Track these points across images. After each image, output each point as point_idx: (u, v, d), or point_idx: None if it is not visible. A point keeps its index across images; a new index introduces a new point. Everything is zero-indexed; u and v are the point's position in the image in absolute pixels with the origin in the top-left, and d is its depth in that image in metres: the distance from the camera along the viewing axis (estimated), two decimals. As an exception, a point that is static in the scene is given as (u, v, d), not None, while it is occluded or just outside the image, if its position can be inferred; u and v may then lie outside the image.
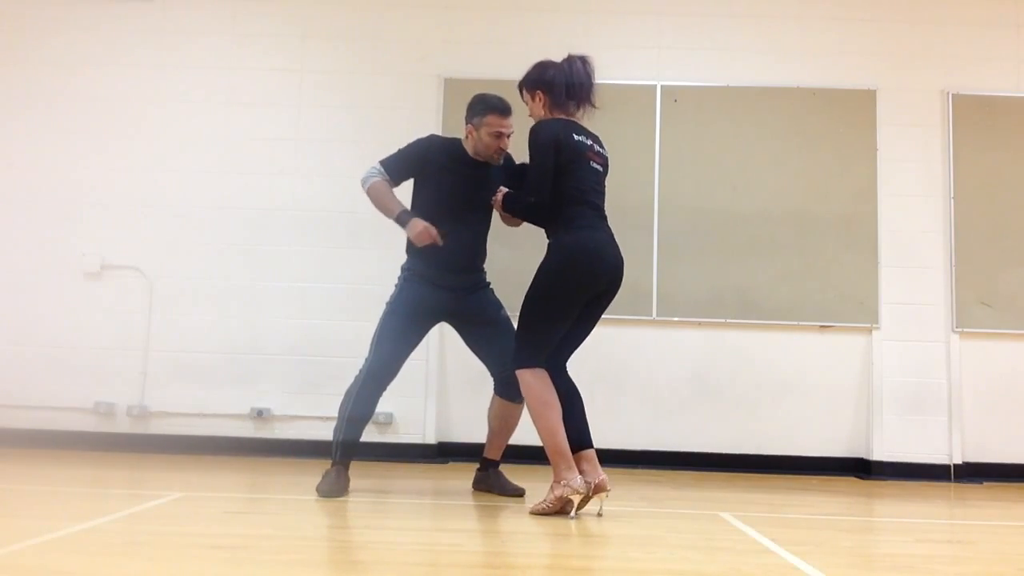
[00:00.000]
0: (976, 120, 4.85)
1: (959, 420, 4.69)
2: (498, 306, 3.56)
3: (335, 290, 4.79)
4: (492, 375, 3.53)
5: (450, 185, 3.46)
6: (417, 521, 2.97)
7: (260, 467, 4.17)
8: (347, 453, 3.42)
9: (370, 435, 4.64)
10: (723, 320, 4.74)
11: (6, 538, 2.34)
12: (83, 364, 4.74)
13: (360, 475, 4.03)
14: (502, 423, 3.56)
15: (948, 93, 4.88)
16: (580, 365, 3.31)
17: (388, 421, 4.69)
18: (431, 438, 4.69)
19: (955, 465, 4.66)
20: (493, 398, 3.56)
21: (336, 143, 4.89)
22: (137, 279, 4.82)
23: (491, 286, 3.61)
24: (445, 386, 4.75)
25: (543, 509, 3.00)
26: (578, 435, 3.06)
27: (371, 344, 3.41)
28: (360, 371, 3.40)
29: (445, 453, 4.69)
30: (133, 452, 4.57)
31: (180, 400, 4.72)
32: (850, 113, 4.87)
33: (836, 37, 4.94)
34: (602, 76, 3.19)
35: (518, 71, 4.84)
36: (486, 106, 3.40)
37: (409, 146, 3.53)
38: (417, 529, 2.81)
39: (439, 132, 4.77)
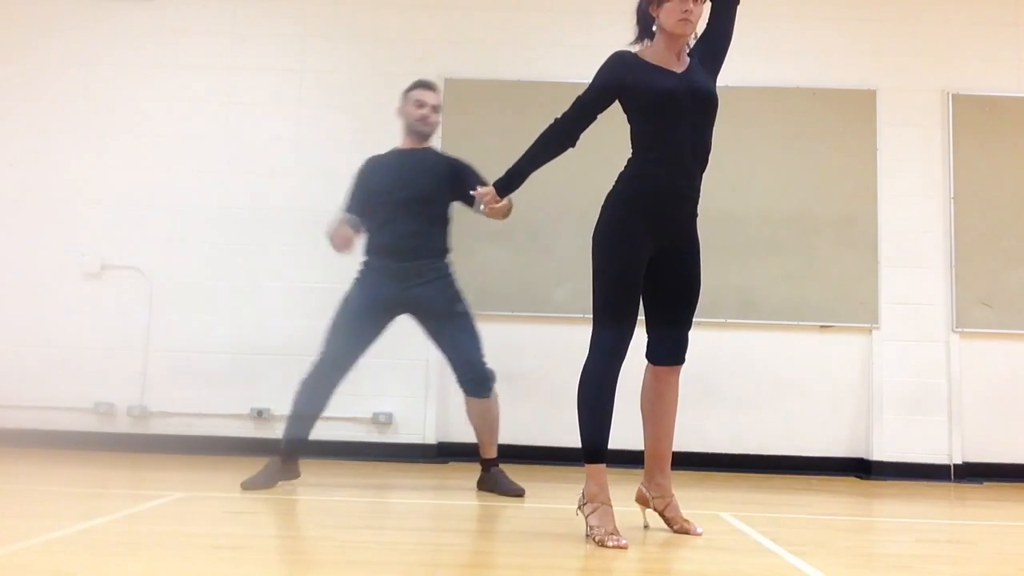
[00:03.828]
0: (976, 120, 4.85)
1: (959, 420, 4.69)
2: (453, 299, 3.54)
3: (335, 290, 4.76)
4: (454, 373, 3.55)
5: (381, 183, 3.58)
6: (417, 521, 2.97)
7: (260, 467, 4.17)
8: (291, 447, 3.50)
9: (370, 435, 4.69)
10: (723, 320, 4.74)
11: (6, 538, 2.34)
12: (83, 364, 4.74)
13: (360, 475, 4.04)
14: (481, 420, 3.57)
15: (948, 93, 4.88)
16: (576, 367, 3.29)
17: (388, 421, 4.69)
18: (431, 438, 4.69)
19: (955, 465, 4.66)
20: (465, 399, 3.56)
21: (336, 143, 4.89)
22: (137, 279, 4.82)
23: (450, 277, 3.59)
24: (445, 386, 4.74)
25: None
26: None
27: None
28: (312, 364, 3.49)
29: (445, 453, 4.69)
30: (133, 452, 4.57)
31: (180, 400, 4.72)
32: (850, 113, 4.87)
33: (836, 37, 4.94)
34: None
35: (518, 71, 4.87)
36: (411, 85, 3.70)
37: (353, 180, 3.73)
38: (417, 529, 2.81)
39: (439, 132, 4.78)
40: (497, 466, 3.60)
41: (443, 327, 3.52)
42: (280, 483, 3.50)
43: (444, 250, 3.62)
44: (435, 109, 3.67)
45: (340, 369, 3.47)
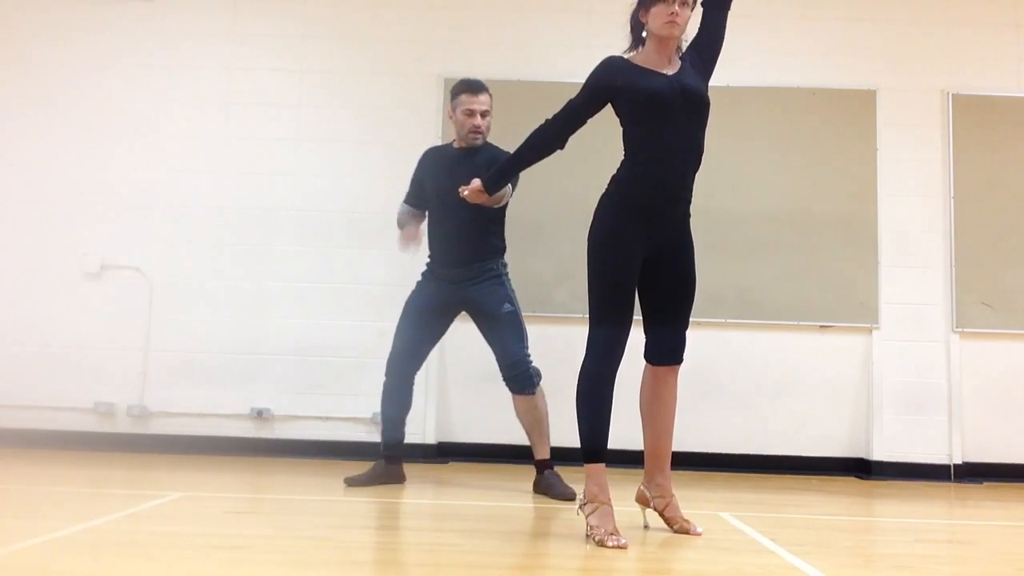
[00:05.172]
0: (976, 120, 4.85)
1: (959, 420, 4.69)
2: (502, 300, 3.56)
3: (335, 290, 4.79)
4: (500, 371, 3.57)
5: (435, 184, 3.62)
6: (417, 521, 2.97)
7: (260, 467, 4.18)
8: (388, 448, 3.63)
9: (370, 435, 4.68)
10: (723, 320, 4.74)
11: (6, 538, 2.35)
12: (83, 364, 4.74)
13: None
14: (529, 418, 3.55)
15: (948, 93, 4.88)
16: (576, 367, 3.30)
17: (388, 421, 4.69)
18: (431, 438, 4.69)
19: (955, 465, 4.66)
20: (512, 398, 3.57)
21: (336, 143, 4.89)
22: (137, 279, 4.82)
23: (501, 277, 3.61)
24: (445, 386, 4.75)
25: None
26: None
27: None
28: None
29: (445, 453, 4.69)
30: (133, 452, 4.57)
31: (180, 400, 4.72)
32: (850, 113, 4.87)
33: (836, 37, 4.94)
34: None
35: (517, 71, 4.87)
36: (459, 87, 3.63)
37: (414, 171, 3.77)
38: (417, 529, 2.81)
39: (438, 132, 4.79)
40: (551, 468, 3.54)
41: (491, 327, 3.56)
42: (383, 486, 3.57)
43: (497, 250, 3.63)
44: (484, 115, 3.61)
45: (407, 369, 3.60)
